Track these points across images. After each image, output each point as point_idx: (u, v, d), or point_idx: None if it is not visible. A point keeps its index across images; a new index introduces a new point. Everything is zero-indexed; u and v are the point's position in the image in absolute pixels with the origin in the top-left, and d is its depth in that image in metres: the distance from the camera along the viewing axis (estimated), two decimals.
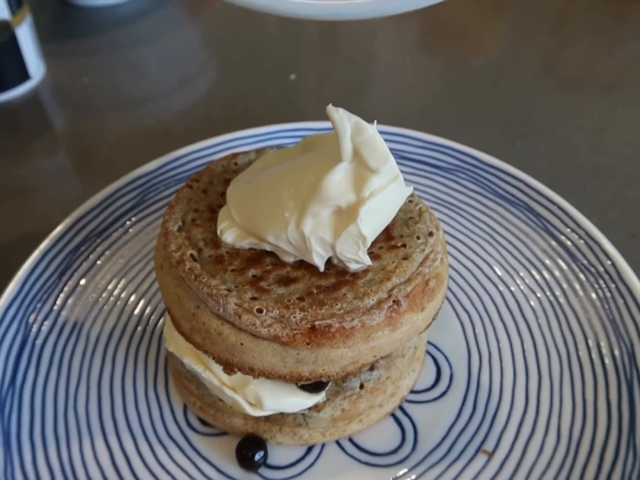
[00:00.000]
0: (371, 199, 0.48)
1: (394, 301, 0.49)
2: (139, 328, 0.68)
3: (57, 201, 0.87)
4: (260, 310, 0.48)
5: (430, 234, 0.55)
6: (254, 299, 0.48)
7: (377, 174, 0.48)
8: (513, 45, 1.20)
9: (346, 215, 0.48)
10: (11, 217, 0.85)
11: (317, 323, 0.47)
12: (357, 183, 0.48)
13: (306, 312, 0.48)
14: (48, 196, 0.89)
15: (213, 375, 0.54)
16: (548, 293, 0.69)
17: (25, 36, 1.00)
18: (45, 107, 1.05)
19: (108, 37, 1.21)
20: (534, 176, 0.79)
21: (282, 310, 0.48)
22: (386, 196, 0.49)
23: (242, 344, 0.49)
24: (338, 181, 0.48)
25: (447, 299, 0.69)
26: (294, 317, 0.47)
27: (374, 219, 0.50)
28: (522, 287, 0.70)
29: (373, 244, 0.52)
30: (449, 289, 0.70)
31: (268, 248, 0.51)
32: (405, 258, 0.52)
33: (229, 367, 0.50)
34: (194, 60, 1.18)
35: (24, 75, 1.04)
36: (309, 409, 0.56)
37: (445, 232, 0.71)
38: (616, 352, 0.63)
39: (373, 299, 0.49)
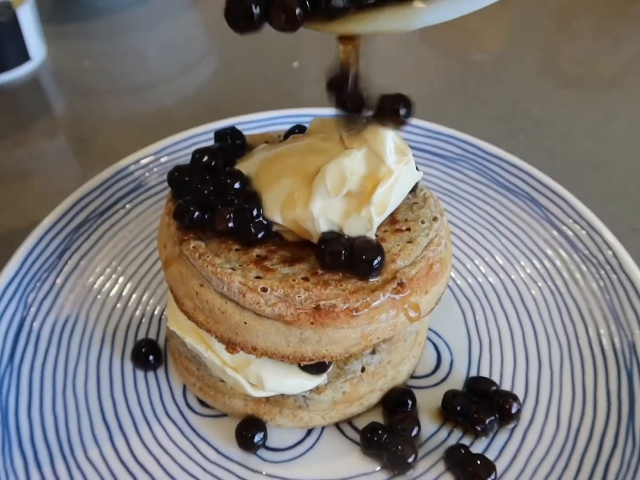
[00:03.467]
0: (383, 183, 0.48)
1: (398, 283, 0.49)
2: (139, 308, 0.67)
3: (56, 184, 0.87)
4: (264, 289, 0.47)
5: (435, 218, 0.55)
6: (258, 277, 0.48)
7: (389, 157, 0.48)
8: (515, 41, 1.20)
9: (357, 198, 0.49)
10: (10, 199, 0.84)
11: (321, 303, 0.47)
12: (370, 167, 0.49)
13: (311, 291, 0.47)
14: (46, 179, 0.88)
15: (215, 354, 0.54)
16: (549, 282, 0.69)
17: (27, 17, 1.00)
18: (45, 89, 1.05)
19: (110, 21, 1.21)
20: (535, 168, 0.79)
21: (286, 290, 0.47)
22: (397, 180, 0.49)
23: (245, 322, 0.49)
24: (350, 165, 0.48)
25: (449, 286, 0.69)
26: (299, 296, 0.47)
27: (383, 204, 0.50)
28: (523, 275, 0.70)
29: (378, 227, 0.52)
30: (451, 276, 0.70)
31: (274, 228, 0.51)
32: (409, 241, 0.52)
33: (232, 346, 0.50)
34: (196, 46, 1.17)
35: (25, 57, 1.03)
36: (310, 391, 0.56)
37: (448, 220, 0.71)
38: (616, 341, 0.63)
39: (377, 281, 0.49)
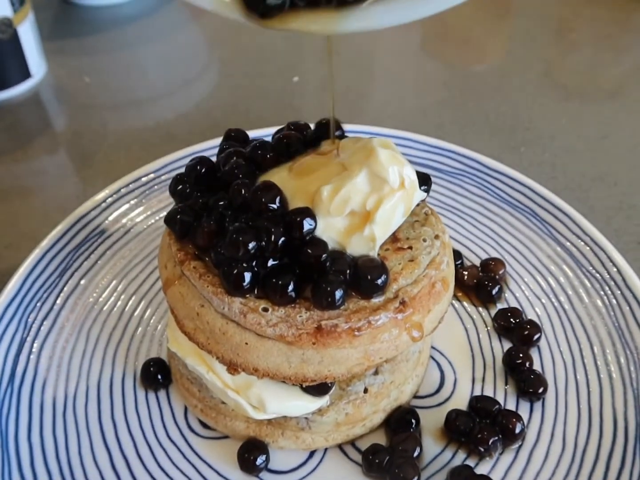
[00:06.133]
0: (386, 201, 0.48)
1: (400, 302, 0.49)
2: (140, 329, 0.67)
3: (57, 200, 0.87)
4: (265, 309, 0.47)
5: (437, 236, 0.55)
6: (259, 298, 0.48)
7: (392, 177, 0.48)
8: (516, 52, 1.20)
9: (360, 218, 0.49)
10: (10, 216, 0.84)
11: (323, 323, 0.47)
12: (374, 188, 0.49)
13: (312, 311, 0.47)
14: (47, 195, 0.88)
15: (216, 376, 0.53)
16: (553, 299, 0.68)
17: (27, 34, 1.00)
18: (46, 105, 1.05)
19: (110, 37, 1.21)
20: (537, 182, 0.78)
21: (287, 310, 0.47)
22: (400, 199, 0.49)
23: (246, 343, 0.48)
24: (354, 185, 0.48)
25: (452, 304, 0.69)
26: (300, 316, 0.47)
27: (386, 222, 0.49)
28: (526, 292, 0.70)
29: (380, 246, 0.52)
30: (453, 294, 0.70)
31: None
32: (411, 260, 0.52)
33: (233, 367, 0.50)
34: (196, 62, 1.17)
35: (25, 74, 1.03)
36: (313, 412, 0.55)
37: (450, 237, 0.71)
38: (622, 359, 0.62)
39: (380, 300, 0.49)
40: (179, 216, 0.51)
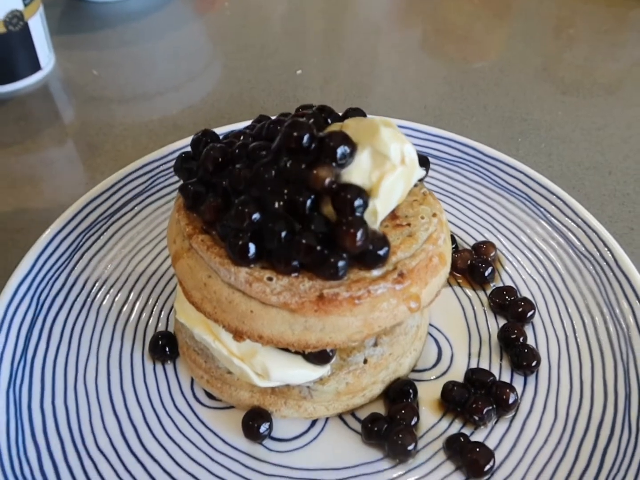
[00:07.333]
0: (388, 177, 0.50)
1: (398, 274, 0.51)
2: (148, 305, 0.69)
3: (65, 188, 0.89)
4: (270, 279, 0.49)
5: (434, 215, 0.57)
6: (264, 268, 0.50)
7: (393, 154, 0.50)
8: (515, 49, 1.22)
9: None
10: (21, 202, 0.86)
11: (325, 291, 0.49)
12: (376, 164, 0.51)
13: (314, 281, 0.49)
14: (56, 183, 0.91)
15: (222, 345, 0.56)
16: (547, 279, 0.71)
17: (37, 27, 1.02)
18: (55, 97, 1.07)
19: (117, 31, 1.24)
20: (534, 170, 0.81)
21: (291, 279, 0.49)
22: (401, 176, 0.51)
23: (252, 311, 0.50)
24: (358, 161, 0.50)
25: (449, 283, 0.71)
26: (303, 285, 0.49)
27: (387, 197, 0.52)
28: (521, 273, 0.72)
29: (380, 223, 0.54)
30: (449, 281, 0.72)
31: None
32: (410, 235, 0.54)
33: (239, 335, 0.52)
34: (201, 56, 1.20)
35: (35, 66, 1.06)
36: (314, 381, 0.57)
37: (448, 220, 0.73)
38: (613, 335, 0.64)
39: (379, 271, 0.51)
40: (191, 187, 0.53)
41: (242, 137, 0.56)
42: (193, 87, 1.11)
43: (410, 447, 0.56)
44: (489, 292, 0.70)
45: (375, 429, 0.58)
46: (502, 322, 0.68)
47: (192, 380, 0.63)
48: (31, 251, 0.70)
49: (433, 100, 1.07)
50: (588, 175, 0.90)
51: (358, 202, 0.48)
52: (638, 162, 0.93)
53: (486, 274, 0.71)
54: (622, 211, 0.84)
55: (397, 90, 1.10)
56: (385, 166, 0.51)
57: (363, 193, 0.49)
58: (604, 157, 0.93)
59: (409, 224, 0.55)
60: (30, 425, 0.58)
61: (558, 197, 0.76)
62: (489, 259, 0.72)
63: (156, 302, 0.70)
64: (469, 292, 0.71)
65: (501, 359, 0.65)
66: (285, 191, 0.49)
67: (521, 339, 0.64)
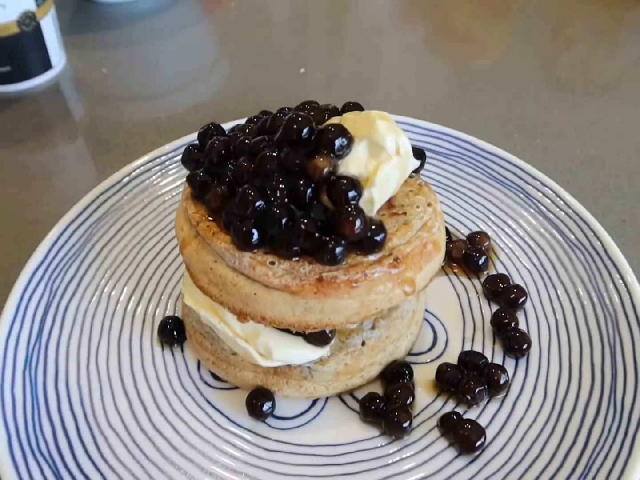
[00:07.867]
0: (384, 166, 0.53)
1: (394, 259, 0.54)
2: (156, 292, 0.73)
3: (76, 182, 0.93)
4: (272, 263, 0.52)
5: (429, 204, 0.60)
6: (266, 253, 0.53)
7: (389, 145, 0.53)
8: (514, 48, 1.25)
9: (361, 181, 0.53)
10: (35, 196, 0.90)
11: (324, 274, 0.52)
12: (373, 154, 0.54)
13: (314, 265, 0.52)
14: (68, 178, 0.94)
15: (227, 326, 0.59)
16: (539, 267, 0.74)
17: (49, 27, 1.06)
18: (66, 95, 1.11)
19: (126, 31, 1.27)
20: (529, 165, 0.84)
21: (292, 263, 0.52)
22: (396, 166, 0.54)
23: (255, 294, 0.54)
24: (356, 152, 0.53)
25: (445, 271, 0.74)
26: (303, 269, 0.52)
27: (383, 186, 0.54)
28: (514, 262, 0.75)
29: (377, 211, 0.57)
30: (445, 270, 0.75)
31: None
32: (405, 223, 0.57)
33: (243, 316, 0.55)
34: (207, 55, 1.23)
35: (47, 65, 1.09)
36: (314, 362, 0.61)
37: (444, 212, 0.76)
38: (601, 320, 0.67)
39: (375, 256, 0.54)
40: (198, 177, 0.56)
41: (246, 130, 0.59)
42: (199, 85, 1.14)
43: (405, 425, 0.59)
44: (482, 279, 0.73)
45: (373, 407, 0.61)
46: (495, 308, 0.71)
47: (199, 362, 0.67)
48: (45, 241, 0.73)
49: (432, 98, 1.10)
50: (582, 169, 0.93)
51: (352, 194, 0.52)
52: (630, 156, 0.96)
53: (480, 262, 0.73)
54: (615, 204, 0.87)
55: (398, 88, 1.13)
56: (381, 156, 0.54)
57: (357, 185, 0.52)
58: (598, 152, 0.96)
59: (404, 213, 0.58)
60: (46, 404, 0.62)
61: (550, 189, 0.79)
62: (483, 248, 0.75)
63: (164, 289, 0.73)
64: (464, 280, 0.74)
65: (494, 343, 0.68)
66: (287, 180, 0.52)
67: (513, 324, 0.67)
